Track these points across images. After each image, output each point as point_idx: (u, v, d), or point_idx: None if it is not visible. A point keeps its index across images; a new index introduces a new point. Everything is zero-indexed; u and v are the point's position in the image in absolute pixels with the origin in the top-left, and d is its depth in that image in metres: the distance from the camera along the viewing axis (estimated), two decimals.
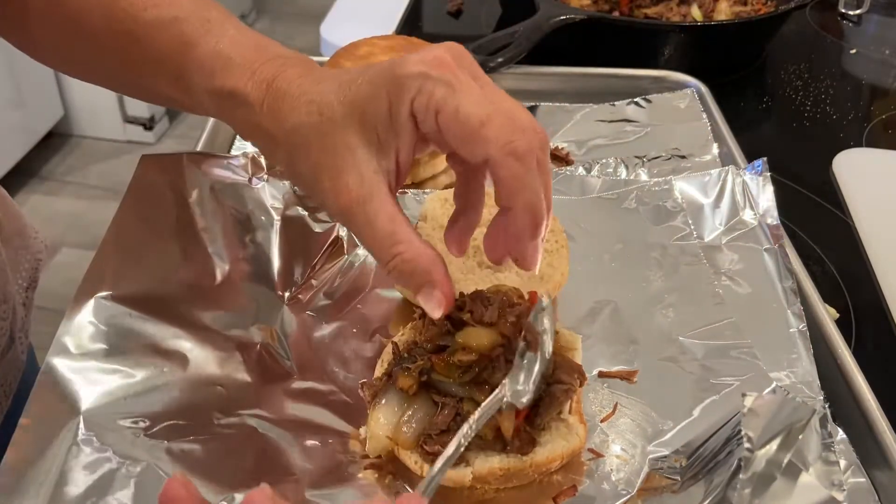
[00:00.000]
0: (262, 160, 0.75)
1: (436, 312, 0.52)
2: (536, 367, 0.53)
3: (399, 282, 0.55)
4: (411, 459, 0.54)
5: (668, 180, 0.79)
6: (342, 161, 0.51)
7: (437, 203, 0.74)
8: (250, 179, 0.74)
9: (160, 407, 0.58)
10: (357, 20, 1.27)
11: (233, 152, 0.87)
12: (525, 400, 0.52)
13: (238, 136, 0.89)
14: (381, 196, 0.51)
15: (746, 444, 0.49)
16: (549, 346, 0.53)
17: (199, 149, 0.85)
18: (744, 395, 0.50)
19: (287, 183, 0.74)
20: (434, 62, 0.49)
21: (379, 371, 0.59)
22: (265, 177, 0.74)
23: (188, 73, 0.57)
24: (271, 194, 0.73)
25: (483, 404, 0.52)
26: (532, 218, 0.51)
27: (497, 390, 0.52)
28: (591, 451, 0.58)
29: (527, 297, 0.59)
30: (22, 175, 2.64)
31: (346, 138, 0.51)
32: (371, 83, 0.50)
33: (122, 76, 0.63)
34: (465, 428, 0.50)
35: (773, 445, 0.51)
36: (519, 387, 0.52)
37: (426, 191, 0.80)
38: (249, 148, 0.86)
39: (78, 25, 0.60)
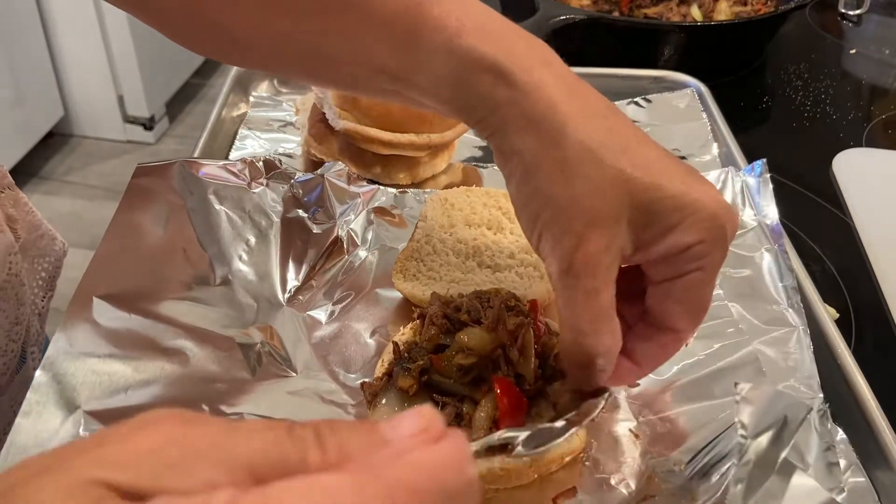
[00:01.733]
0: (261, 165, 0.75)
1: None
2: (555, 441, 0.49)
3: (573, 360, 0.49)
4: None
5: None
6: (606, 212, 0.45)
7: (437, 203, 0.74)
8: (249, 184, 0.74)
9: (161, 403, 0.58)
10: None
11: (232, 155, 0.87)
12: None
13: (238, 138, 0.89)
14: (613, 272, 0.46)
15: (740, 431, 0.49)
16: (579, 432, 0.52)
17: (198, 149, 0.85)
18: (736, 384, 0.50)
19: (286, 186, 0.74)
20: (724, 237, 0.47)
21: (379, 371, 0.59)
22: (264, 181, 0.74)
23: (422, 33, 0.47)
24: (271, 198, 0.73)
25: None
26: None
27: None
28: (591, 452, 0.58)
29: (525, 300, 0.59)
30: (22, 175, 2.64)
31: (620, 200, 0.45)
32: (681, 193, 0.46)
33: (329, 50, 0.51)
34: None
35: (766, 439, 0.51)
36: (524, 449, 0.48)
37: (426, 191, 0.80)
38: (248, 152, 0.86)
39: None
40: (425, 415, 0.29)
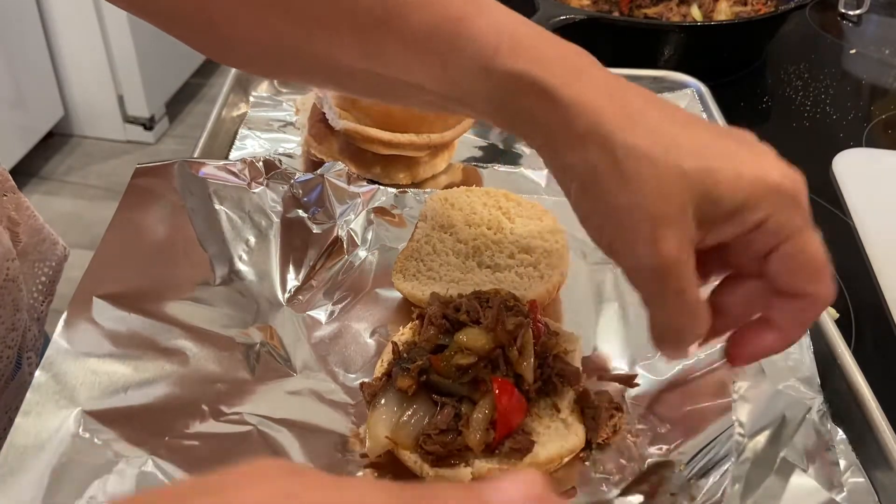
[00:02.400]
0: (261, 165, 0.74)
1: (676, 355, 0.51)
2: None
3: (665, 347, 0.50)
4: (411, 459, 0.54)
5: None
6: (671, 211, 0.44)
7: (437, 203, 0.74)
8: (249, 184, 0.74)
9: (160, 403, 0.59)
10: None
11: (232, 155, 0.87)
12: None
13: (238, 138, 0.89)
14: (692, 265, 0.45)
15: (738, 430, 0.49)
16: None
17: (198, 149, 0.85)
18: (734, 382, 0.50)
19: (286, 186, 0.74)
20: (796, 202, 0.46)
21: (378, 371, 0.59)
22: (264, 181, 0.74)
23: (459, 50, 0.46)
24: (271, 198, 0.73)
25: None
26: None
27: None
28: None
29: (525, 300, 0.59)
30: (22, 175, 2.64)
31: (683, 196, 0.44)
32: (737, 175, 0.45)
33: (357, 65, 0.50)
34: None
35: (765, 438, 0.51)
36: None
37: (426, 190, 0.80)
38: (248, 152, 0.86)
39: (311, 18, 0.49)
40: (530, 481, 0.29)
